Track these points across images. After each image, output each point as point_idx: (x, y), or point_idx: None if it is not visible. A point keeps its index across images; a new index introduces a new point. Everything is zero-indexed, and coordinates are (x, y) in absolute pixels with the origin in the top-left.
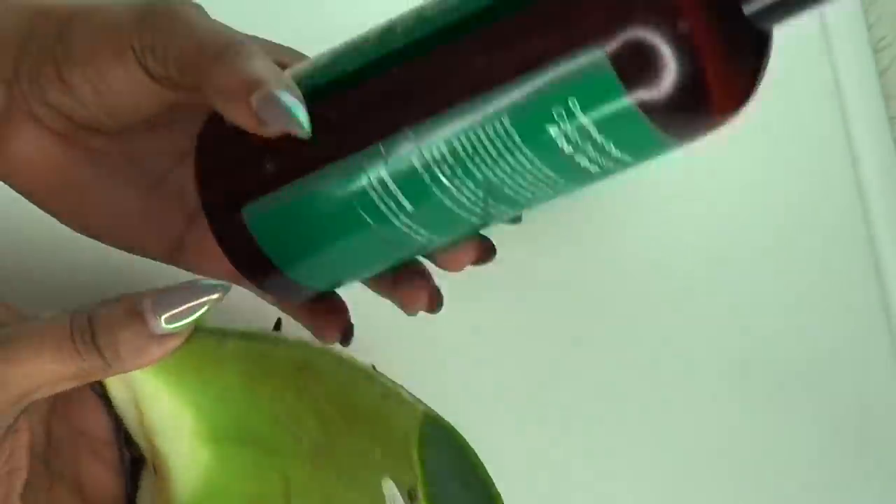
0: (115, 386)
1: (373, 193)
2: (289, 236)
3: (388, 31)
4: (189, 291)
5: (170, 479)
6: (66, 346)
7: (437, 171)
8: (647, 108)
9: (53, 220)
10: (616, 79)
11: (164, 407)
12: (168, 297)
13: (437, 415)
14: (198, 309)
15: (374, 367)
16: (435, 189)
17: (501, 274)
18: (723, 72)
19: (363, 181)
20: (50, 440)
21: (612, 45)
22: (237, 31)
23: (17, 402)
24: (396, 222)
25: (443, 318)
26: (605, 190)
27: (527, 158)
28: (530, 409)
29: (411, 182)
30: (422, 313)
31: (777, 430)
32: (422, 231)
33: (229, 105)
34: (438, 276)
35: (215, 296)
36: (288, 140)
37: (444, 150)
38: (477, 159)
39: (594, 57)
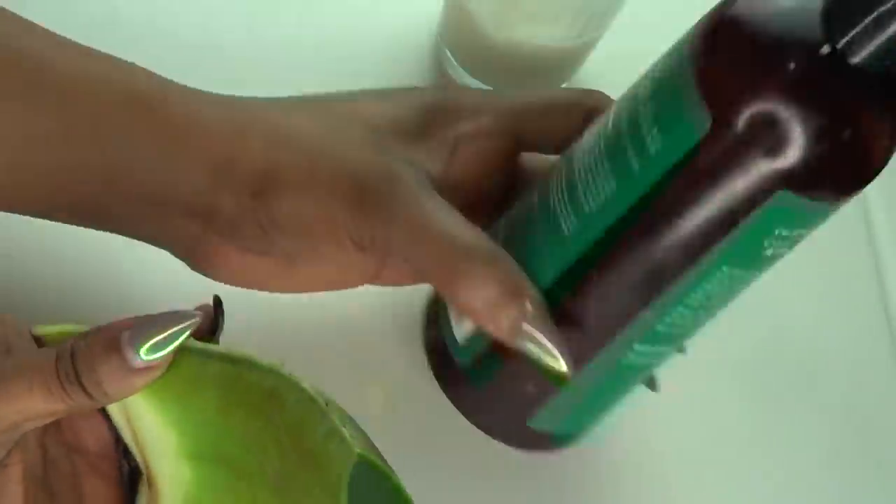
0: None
1: (634, 358)
2: (568, 416)
3: (599, 216)
4: (166, 319)
5: (159, 493)
6: (54, 386)
7: (677, 327)
8: (835, 201)
9: (51, 230)
10: (809, 199)
11: (151, 425)
12: (145, 327)
13: (376, 457)
14: (176, 337)
15: (330, 401)
16: (674, 338)
17: None
18: (880, 140)
19: (624, 354)
20: (46, 462)
21: (803, 184)
22: (465, 224)
23: (9, 434)
24: (654, 366)
25: None
26: None
27: (744, 282)
28: None
29: (658, 335)
30: None
31: (777, 430)
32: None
33: (480, 322)
34: None
35: (193, 321)
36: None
37: (682, 310)
38: (706, 307)
39: (788, 197)
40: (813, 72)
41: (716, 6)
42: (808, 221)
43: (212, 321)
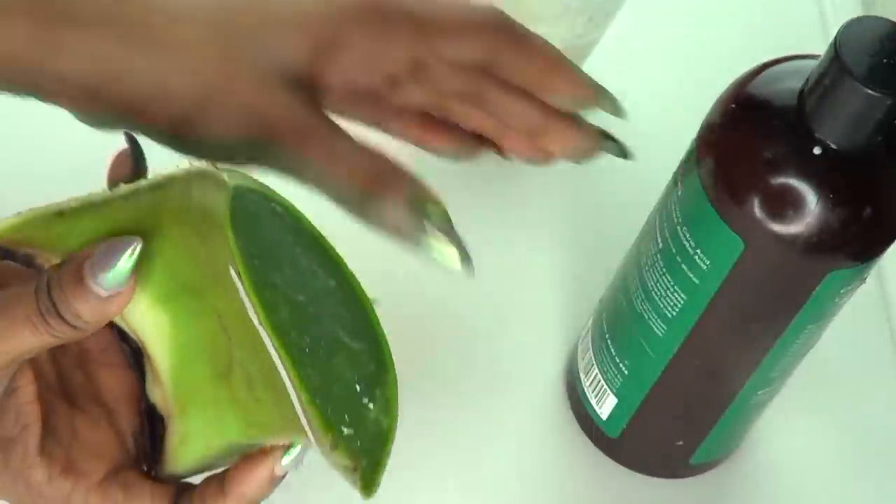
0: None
1: (758, 398)
2: (710, 448)
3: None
4: (116, 244)
5: (151, 355)
6: (38, 322)
7: (785, 369)
8: (882, 250)
9: None
10: (859, 263)
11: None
12: (101, 256)
13: (253, 183)
14: (130, 256)
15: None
16: (785, 376)
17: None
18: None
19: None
20: (60, 372)
21: (844, 263)
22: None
23: (7, 368)
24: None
25: None
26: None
27: (827, 324)
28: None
29: (773, 379)
30: None
31: (776, 429)
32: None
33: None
34: None
35: (137, 242)
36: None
37: (786, 360)
38: (804, 350)
39: (839, 273)
40: (818, 182)
41: (711, 132)
42: (866, 269)
43: (133, 161)
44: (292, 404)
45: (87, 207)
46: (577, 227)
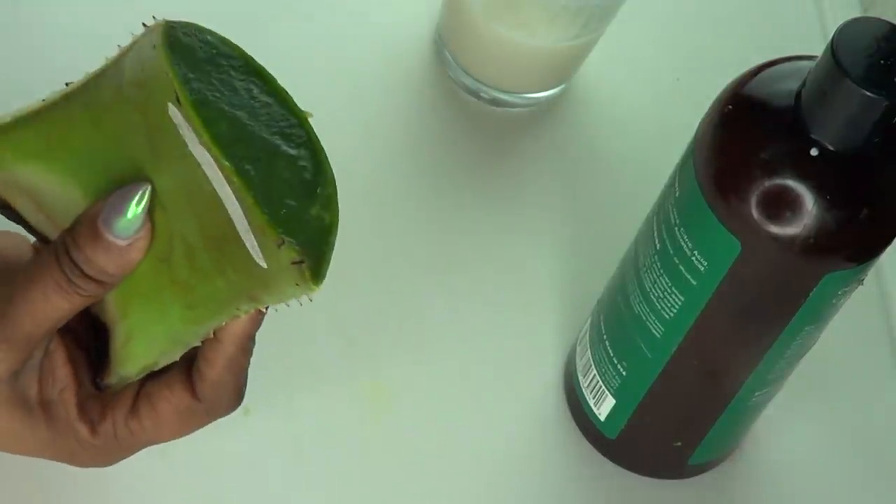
0: (23, 208)
1: (755, 399)
2: (707, 449)
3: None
4: (125, 191)
5: None
6: (67, 286)
7: (783, 370)
8: (879, 252)
9: None
10: (855, 265)
11: (56, 196)
12: (112, 206)
13: (185, 22)
14: (140, 200)
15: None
16: (782, 377)
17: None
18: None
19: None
20: (85, 319)
21: (839, 265)
22: None
23: (46, 337)
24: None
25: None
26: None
27: (825, 325)
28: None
29: (769, 381)
30: None
31: (775, 430)
32: None
33: None
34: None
35: (145, 186)
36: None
37: (783, 362)
38: (802, 351)
39: (835, 274)
40: (815, 184)
41: (707, 133)
42: (864, 271)
43: None
44: (237, 253)
45: (22, 121)
46: (576, 228)
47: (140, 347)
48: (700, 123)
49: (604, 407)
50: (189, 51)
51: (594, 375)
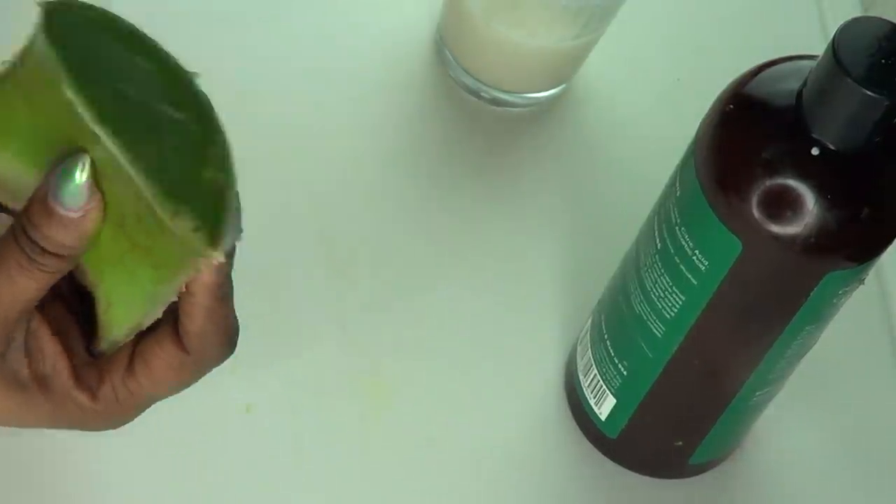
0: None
1: (756, 399)
2: (708, 449)
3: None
4: (65, 164)
5: None
6: (29, 265)
7: (783, 370)
8: (879, 252)
9: None
10: (856, 264)
11: (18, 173)
12: (56, 180)
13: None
14: (81, 170)
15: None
16: (783, 377)
17: None
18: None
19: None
20: (74, 290)
21: (840, 264)
22: None
23: (20, 319)
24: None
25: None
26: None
27: (826, 325)
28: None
29: (770, 380)
30: None
31: (775, 430)
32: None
33: None
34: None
35: (84, 155)
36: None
37: (784, 362)
38: (803, 351)
39: (835, 274)
40: (816, 183)
41: (708, 132)
42: (865, 271)
43: None
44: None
45: None
46: (576, 227)
47: (121, 311)
48: (701, 123)
49: (604, 406)
50: (71, 29)
51: (595, 375)
